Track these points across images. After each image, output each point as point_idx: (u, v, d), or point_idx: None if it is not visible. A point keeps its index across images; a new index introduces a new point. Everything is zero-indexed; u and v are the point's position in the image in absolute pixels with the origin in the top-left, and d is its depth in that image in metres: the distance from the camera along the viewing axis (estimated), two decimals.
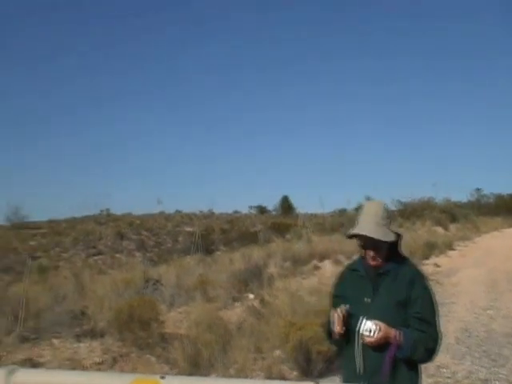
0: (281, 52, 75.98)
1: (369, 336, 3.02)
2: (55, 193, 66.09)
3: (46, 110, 70.99)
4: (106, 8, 71.78)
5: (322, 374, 7.67)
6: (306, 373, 7.73)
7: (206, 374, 7.61)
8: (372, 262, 3.20)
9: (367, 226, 3.16)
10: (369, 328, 3.02)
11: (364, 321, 3.05)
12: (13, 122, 68.51)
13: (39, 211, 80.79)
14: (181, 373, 7.58)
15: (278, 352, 8.39)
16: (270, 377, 7.50)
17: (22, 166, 68.61)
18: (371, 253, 3.19)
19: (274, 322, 9.13)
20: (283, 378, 7.61)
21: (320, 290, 11.58)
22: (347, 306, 3.14)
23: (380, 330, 3.01)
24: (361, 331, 3.05)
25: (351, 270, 3.38)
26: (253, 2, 71.98)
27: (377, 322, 3.03)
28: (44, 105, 69.67)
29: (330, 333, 3.29)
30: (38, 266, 19.86)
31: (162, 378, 2.82)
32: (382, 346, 3.04)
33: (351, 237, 3.24)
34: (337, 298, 3.36)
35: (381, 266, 3.20)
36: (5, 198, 74.79)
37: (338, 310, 3.12)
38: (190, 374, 7.43)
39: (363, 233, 3.15)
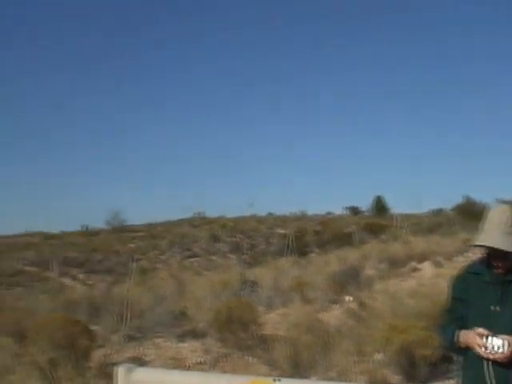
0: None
1: (497, 352, 2.86)
2: (152, 197, 68.20)
3: (143, 114, 73.48)
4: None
5: (428, 379, 7.42)
6: (410, 377, 7.50)
7: (307, 376, 7.56)
8: (498, 271, 3.02)
9: (493, 235, 2.96)
10: (496, 345, 2.85)
11: (489, 339, 2.88)
12: (112, 127, 71.55)
13: (137, 215, 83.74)
14: (282, 374, 7.56)
15: (379, 355, 8.18)
16: (372, 381, 7.34)
17: (122, 171, 71.40)
18: (499, 263, 3.01)
19: (373, 324, 8.93)
20: (386, 382, 7.43)
21: (420, 293, 11.21)
22: (484, 331, 2.95)
23: (509, 344, 2.83)
24: (488, 350, 2.88)
25: (473, 273, 3.17)
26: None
27: (503, 336, 2.85)
28: (140, 110, 72.23)
29: (450, 341, 3.13)
30: (139, 268, 20.58)
31: (278, 380, 2.80)
32: (510, 360, 2.87)
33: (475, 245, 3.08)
34: (456, 301, 3.19)
35: (508, 273, 3.01)
36: (106, 202, 78.09)
37: (478, 338, 2.94)
38: (291, 376, 7.40)
39: (489, 244, 2.96)
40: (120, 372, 2.91)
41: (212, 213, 42.83)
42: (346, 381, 7.18)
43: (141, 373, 2.96)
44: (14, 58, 65.02)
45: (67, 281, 24.00)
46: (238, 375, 4.42)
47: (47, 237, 34.86)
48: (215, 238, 33.38)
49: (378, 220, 32.24)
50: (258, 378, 3.25)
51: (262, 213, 43.20)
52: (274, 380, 2.86)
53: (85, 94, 70.43)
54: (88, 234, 36.84)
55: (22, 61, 67.08)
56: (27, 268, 26.26)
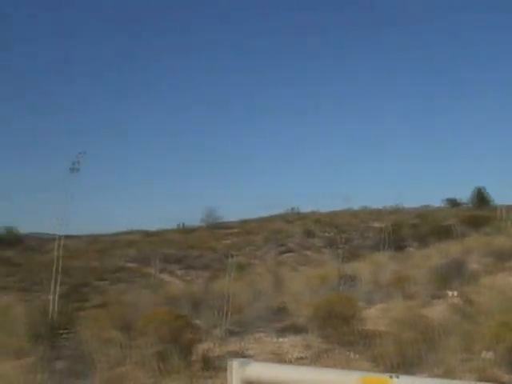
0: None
1: None
2: (246, 193, 69.00)
3: (234, 111, 74.47)
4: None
5: None
6: None
7: (412, 373, 7.33)
8: None
9: None
10: None
11: None
12: (205, 126, 73.04)
13: (231, 212, 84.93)
14: (386, 371, 7.38)
15: (488, 353, 7.80)
16: (482, 379, 7.00)
17: (216, 169, 72.79)
18: None
19: (481, 321, 8.54)
20: (497, 381, 7.06)
21: None
22: None
23: None
24: None
25: None
26: None
27: None
28: (229, 106, 73.34)
29: None
30: (236, 264, 20.87)
31: (396, 377, 2.70)
32: None
33: None
34: None
35: None
36: (201, 201, 79.80)
37: None
38: (394, 372, 7.20)
39: None
40: (234, 366, 2.93)
41: (305, 208, 42.66)
42: (453, 379, 6.91)
43: (255, 367, 2.96)
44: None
45: (166, 276, 24.73)
46: (350, 370, 4.35)
47: (147, 234, 36.06)
48: (309, 233, 33.27)
49: (479, 212, 30.88)
50: (370, 374, 3.15)
51: (357, 207, 42.48)
52: (391, 376, 2.76)
53: (169, 93, 72.38)
54: (184, 231, 37.74)
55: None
56: (129, 264, 27.32)
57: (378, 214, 37.68)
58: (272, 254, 30.10)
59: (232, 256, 16.26)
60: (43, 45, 65.69)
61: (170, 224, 39.17)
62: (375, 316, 10.52)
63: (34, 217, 53.29)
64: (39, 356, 8.22)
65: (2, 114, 63.13)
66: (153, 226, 38.94)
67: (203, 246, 31.19)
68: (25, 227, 41.06)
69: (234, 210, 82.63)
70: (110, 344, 8.74)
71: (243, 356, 8.55)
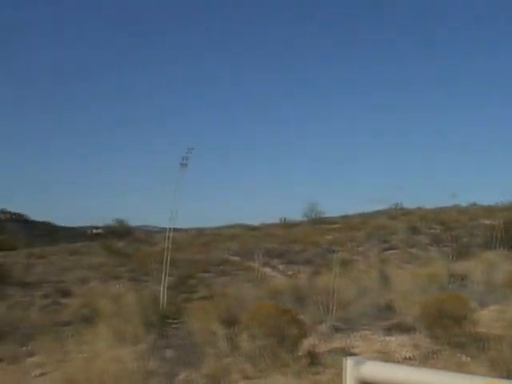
0: None
1: None
2: (347, 189, 68.33)
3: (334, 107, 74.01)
4: None
5: None
6: None
7: None
8: None
9: None
10: None
11: None
12: (307, 122, 73.13)
13: (334, 207, 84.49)
14: (502, 376, 6.98)
15: None
16: None
17: (319, 165, 72.74)
18: None
19: None
20: None
21: None
22: None
23: None
24: None
25: None
26: None
27: None
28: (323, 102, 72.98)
29: None
30: (339, 260, 20.60)
31: None
32: None
33: None
34: None
35: None
36: (303, 195, 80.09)
37: None
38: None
39: None
40: (349, 364, 2.85)
41: (410, 204, 41.43)
42: None
43: (370, 366, 2.86)
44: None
45: (268, 270, 24.88)
46: (471, 375, 4.12)
47: (249, 228, 36.51)
48: (414, 230, 32.22)
49: None
50: (495, 380, 2.96)
51: (465, 203, 40.63)
52: None
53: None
54: (286, 226, 37.82)
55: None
56: (232, 258, 27.79)
57: (488, 210, 35.76)
58: (375, 251, 29.42)
59: (336, 252, 16.07)
60: None
61: (272, 218, 39.52)
62: (488, 318, 9.99)
63: (142, 210, 55.79)
64: (151, 344, 8.53)
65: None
66: (255, 221, 39.47)
67: (305, 241, 31.03)
68: (134, 220, 42.99)
69: (336, 206, 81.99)
70: (216, 335, 8.91)
71: (349, 354, 8.41)
